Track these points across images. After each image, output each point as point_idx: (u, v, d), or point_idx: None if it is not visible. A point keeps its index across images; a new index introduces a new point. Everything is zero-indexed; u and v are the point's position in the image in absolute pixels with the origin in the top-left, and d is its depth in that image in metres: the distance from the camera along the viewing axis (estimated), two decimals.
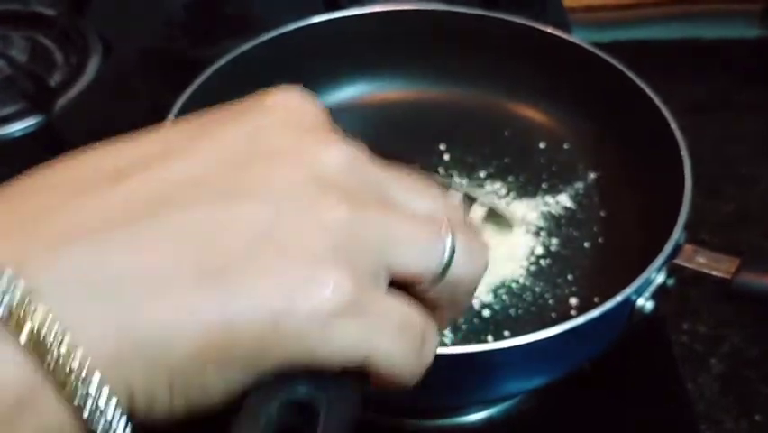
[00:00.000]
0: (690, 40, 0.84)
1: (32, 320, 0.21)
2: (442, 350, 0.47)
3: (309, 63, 0.64)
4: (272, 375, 0.23)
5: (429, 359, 0.27)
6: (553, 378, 0.48)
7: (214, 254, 0.23)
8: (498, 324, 0.52)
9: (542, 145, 0.64)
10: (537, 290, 0.54)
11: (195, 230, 0.23)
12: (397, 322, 0.25)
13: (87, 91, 0.72)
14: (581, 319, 0.43)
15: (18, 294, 0.21)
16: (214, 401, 0.23)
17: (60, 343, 0.21)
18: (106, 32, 0.78)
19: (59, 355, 0.21)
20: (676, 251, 0.47)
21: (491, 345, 0.43)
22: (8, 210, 0.23)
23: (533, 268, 0.56)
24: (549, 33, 0.63)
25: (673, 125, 0.54)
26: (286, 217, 0.24)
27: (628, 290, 0.44)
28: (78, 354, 0.21)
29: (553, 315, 0.53)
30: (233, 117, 0.26)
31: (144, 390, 0.22)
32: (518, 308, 0.53)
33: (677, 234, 0.47)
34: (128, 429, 0.22)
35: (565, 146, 0.64)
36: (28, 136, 0.69)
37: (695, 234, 0.49)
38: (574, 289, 0.54)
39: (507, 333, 0.52)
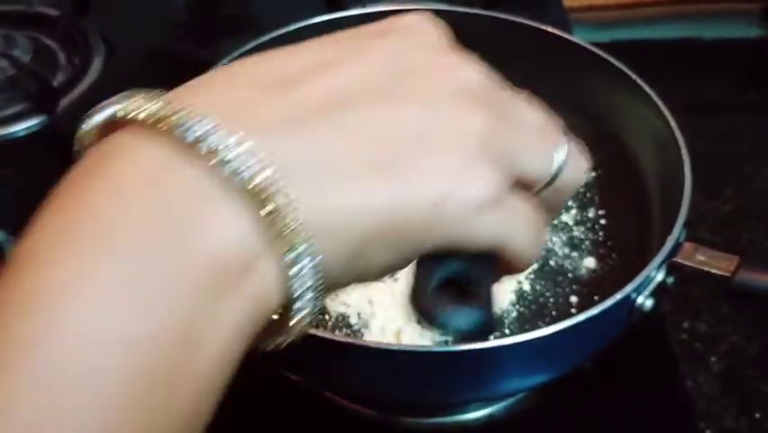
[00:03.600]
0: (690, 39, 0.84)
1: (272, 195, 0.24)
2: (442, 348, 0.47)
3: None
4: (425, 256, 0.28)
5: (541, 247, 0.32)
6: (554, 376, 0.48)
7: (386, 148, 0.26)
8: (498, 322, 0.52)
9: None
10: (537, 288, 0.55)
11: (369, 127, 0.26)
12: (525, 216, 0.29)
13: (90, 91, 0.72)
14: (581, 317, 0.43)
15: (259, 167, 0.24)
16: (373, 274, 0.28)
17: (289, 217, 0.24)
18: (109, 32, 0.79)
19: (286, 228, 0.24)
20: (676, 249, 0.47)
21: (492, 342, 0.43)
22: (215, 99, 0.26)
23: (533, 266, 0.56)
24: (549, 33, 0.63)
25: (673, 124, 0.54)
26: (441, 120, 0.27)
27: (628, 288, 0.44)
28: (300, 228, 0.24)
29: (554, 313, 0.53)
30: (379, 38, 0.30)
31: (329, 260, 0.25)
32: (518, 306, 0.53)
33: (677, 232, 0.47)
34: (321, 290, 0.26)
35: None
36: (31, 136, 0.69)
37: (695, 233, 0.49)
38: (574, 287, 0.55)
39: (507, 331, 0.52)
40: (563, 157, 0.30)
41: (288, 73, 0.27)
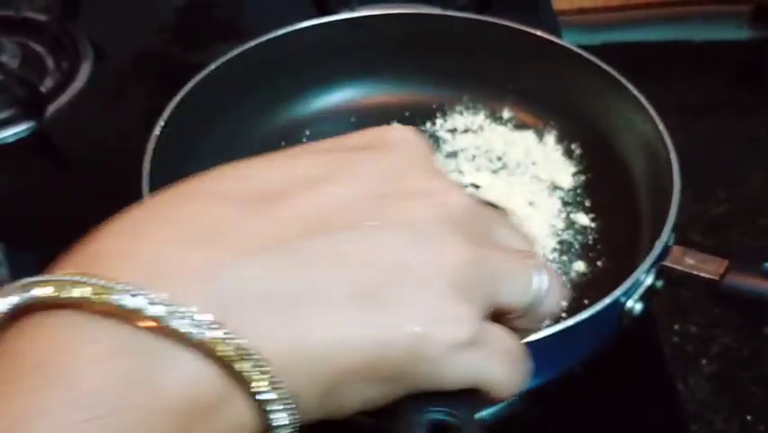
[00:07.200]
0: (680, 42, 0.84)
1: (225, 343, 0.23)
2: None
3: (300, 67, 0.64)
4: (402, 396, 0.27)
5: (526, 377, 0.30)
6: (544, 380, 0.48)
7: (366, 278, 0.25)
8: None
9: (532, 147, 0.64)
10: None
11: (351, 254, 0.26)
12: (503, 349, 0.28)
13: (79, 97, 0.72)
14: (571, 321, 0.43)
15: (209, 319, 0.23)
16: (345, 412, 0.26)
17: (251, 360, 0.23)
18: (98, 37, 0.78)
19: (248, 370, 0.23)
20: (665, 252, 0.47)
21: None
22: (187, 219, 0.25)
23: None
24: (539, 36, 0.63)
25: (662, 127, 0.54)
26: (422, 251, 0.26)
27: (617, 292, 0.44)
28: (265, 369, 0.23)
29: None
30: (366, 153, 0.29)
31: (301, 399, 0.24)
32: None
33: (666, 235, 0.47)
34: (297, 422, 0.24)
35: (555, 148, 0.64)
36: (19, 142, 0.69)
37: (686, 236, 0.49)
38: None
39: None
40: (543, 284, 0.30)
41: (271, 187, 0.27)
